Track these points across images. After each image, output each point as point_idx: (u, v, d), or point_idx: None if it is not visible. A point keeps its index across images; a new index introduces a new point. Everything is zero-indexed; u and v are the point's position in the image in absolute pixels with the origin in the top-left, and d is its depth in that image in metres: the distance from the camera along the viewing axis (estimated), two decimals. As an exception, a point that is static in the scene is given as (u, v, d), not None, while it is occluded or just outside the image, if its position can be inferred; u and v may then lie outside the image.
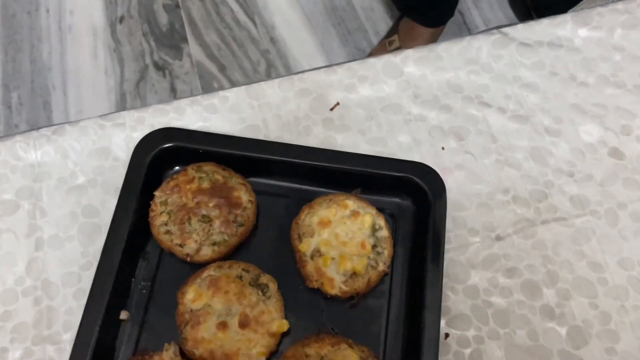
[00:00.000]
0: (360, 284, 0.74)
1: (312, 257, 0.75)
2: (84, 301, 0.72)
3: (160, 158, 0.82)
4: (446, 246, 0.78)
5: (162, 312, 0.77)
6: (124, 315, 0.75)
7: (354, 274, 0.74)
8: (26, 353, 0.75)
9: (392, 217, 0.82)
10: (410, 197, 0.82)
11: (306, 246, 0.76)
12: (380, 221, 0.77)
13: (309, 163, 0.82)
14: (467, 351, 0.75)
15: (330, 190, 0.82)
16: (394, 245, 0.78)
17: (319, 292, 0.76)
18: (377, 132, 0.89)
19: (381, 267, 0.75)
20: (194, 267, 0.77)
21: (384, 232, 0.77)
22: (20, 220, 0.82)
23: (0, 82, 1.68)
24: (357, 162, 0.81)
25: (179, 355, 0.71)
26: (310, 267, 0.75)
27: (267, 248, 0.81)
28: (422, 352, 0.70)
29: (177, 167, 0.85)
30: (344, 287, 0.74)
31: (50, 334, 0.76)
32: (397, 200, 0.83)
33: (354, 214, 0.77)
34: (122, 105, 1.75)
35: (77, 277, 0.79)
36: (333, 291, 0.74)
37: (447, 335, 0.75)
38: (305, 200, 0.82)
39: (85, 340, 0.70)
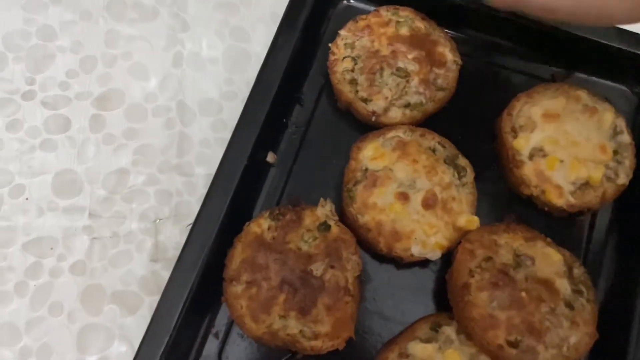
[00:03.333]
0: (592, 198, 0.57)
1: (530, 157, 0.58)
2: (223, 135, 0.59)
3: (336, -17, 0.67)
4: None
5: (314, 163, 0.63)
6: (270, 157, 0.62)
7: (586, 184, 0.57)
8: (150, 179, 0.62)
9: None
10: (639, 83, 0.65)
11: (523, 142, 0.58)
12: (621, 122, 0.60)
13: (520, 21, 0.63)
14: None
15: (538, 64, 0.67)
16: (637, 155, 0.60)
17: (513, 196, 0.61)
18: None
19: (622, 179, 0.58)
20: (353, 120, 0.63)
21: (626, 137, 0.59)
22: (158, 29, 0.68)
23: None
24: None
25: (335, 215, 0.58)
26: (527, 170, 0.58)
27: (465, 126, 0.64)
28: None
29: (352, 1, 0.69)
30: (571, 199, 0.57)
31: (181, 164, 0.63)
32: (618, 88, 0.66)
33: (589, 109, 0.59)
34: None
35: (218, 106, 0.65)
36: (559, 202, 0.57)
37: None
38: (515, 71, 0.66)
39: (226, 178, 0.57)
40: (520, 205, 0.61)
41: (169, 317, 0.52)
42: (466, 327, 0.51)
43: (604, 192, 0.57)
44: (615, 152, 0.58)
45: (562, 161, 0.57)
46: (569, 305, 0.52)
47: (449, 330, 0.53)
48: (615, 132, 0.59)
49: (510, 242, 0.55)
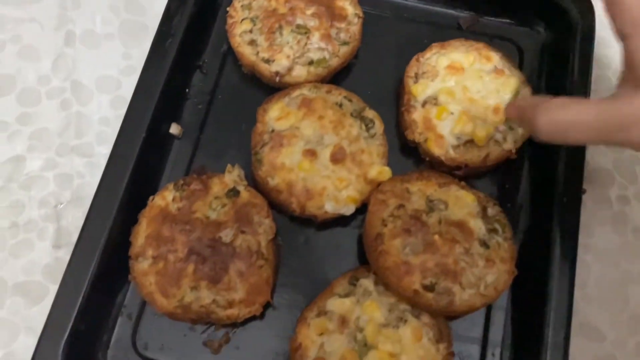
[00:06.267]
0: (473, 157, 0.56)
1: (423, 104, 0.57)
2: (123, 111, 0.56)
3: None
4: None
5: (221, 131, 0.60)
6: (174, 129, 0.59)
7: (470, 142, 0.56)
8: (48, 164, 0.59)
9: (519, 51, 0.65)
10: (543, 22, 0.65)
11: (421, 88, 0.57)
12: (527, 92, 0.58)
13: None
14: (608, 213, 0.58)
15: (444, 10, 0.66)
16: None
17: (411, 149, 0.59)
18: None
19: (508, 145, 0.56)
20: (259, 84, 0.61)
21: None
22: (48, 8, 0.65)
23: None
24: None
25: (244, 180, 0.56)
26: (417, 115, 0.57)
27: (373, 80, 0.63)
28: (554, 211, 0.54)
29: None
30: (452, 153, 0.56)
31: (80, 145, 0.60)
32: (524, 28, 0.65)
33: (497, 71, 0.58)
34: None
35: (116, 82, 0.62)
36: (438, 151, 0.56)
37: (584, 190, 0.58)
38: (420, 22, 0.65)
39: (124, 152, 0.54)
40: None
41: (71, 303, 0.49)
42: (382, 277, 0.50)
43: (487, 154, 0.56)
44: (509, 118, 0.56)
45: (452, 113, 0.56)
46: (484, 244, 0.51)
47: (367, 283, 0.51)
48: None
49: (423, 189, 0.54)
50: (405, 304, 0.50)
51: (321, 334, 0.49)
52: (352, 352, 0.48)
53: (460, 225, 0.51)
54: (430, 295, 0.48)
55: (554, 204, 0.54)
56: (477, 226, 0.52)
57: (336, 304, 0.50)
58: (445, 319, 0.51)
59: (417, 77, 0.58)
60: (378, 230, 0.51)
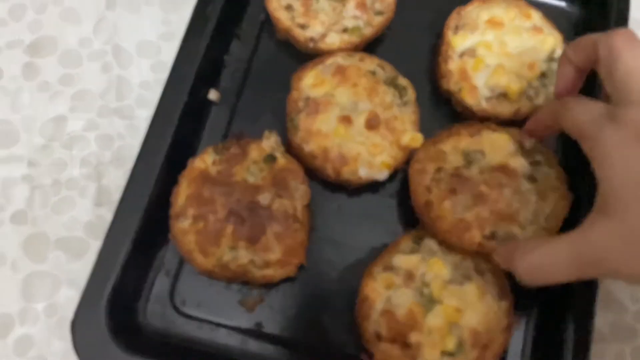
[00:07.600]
0: (505, 110, 0.58)
1: (461, 56, 0.59)
2: (163, 75, 0.57)
3: None
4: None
5: (258, 98, 0.62)
6: (213, 94, 0.60)
7: (503, 96, 0.58)
8: (90, 125, 0.60)
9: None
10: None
11: (460, 40, 0.59)
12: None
13: None
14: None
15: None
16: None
17: (445, 105, 0.61)
18: None
19: (540, 101, 0.58)
20: (294, 52, 0.62)
21: None
22: (88, -30, 0.66)
23: None
24: None
25: (281, 146, 0.57)
26: (453, 66, 0.59)
27: (406, 51, 0.64)
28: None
29: None
30: (484, 104, 0.58)
31: (121, 107, 0.61)
32: (558, 6, 0.66)
33: (536, 29, 0.60)
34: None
35: (156, 47, 0.64)
36: (470, 101, 0.57)
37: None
38: None
39: (166, 115, 0.55)
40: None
41: (114, 258, 0.50)
42: (443, 239, 0.51)
43: (518, 108, 0.58)
44: (544, 75, 0.58)
45: (488, 66, 0.58)
46: (532, 179, 0.52)
47: (431, 243, 0.53)
48: (552, 58, 0.59)
49: (456, 145, 0.55)
50: (470, 261, 0.51)
51: (388, 288, 0.50)
52: (419, 306, 0.49)
53: (503, 169, 0.52)
54: (493, 243, 0.50)
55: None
56: (519, 163, 0.53)
57: (402, 260, 0.51)
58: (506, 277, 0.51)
59: (457, 29, 0.60)
60: (425, 198, 0.52)
